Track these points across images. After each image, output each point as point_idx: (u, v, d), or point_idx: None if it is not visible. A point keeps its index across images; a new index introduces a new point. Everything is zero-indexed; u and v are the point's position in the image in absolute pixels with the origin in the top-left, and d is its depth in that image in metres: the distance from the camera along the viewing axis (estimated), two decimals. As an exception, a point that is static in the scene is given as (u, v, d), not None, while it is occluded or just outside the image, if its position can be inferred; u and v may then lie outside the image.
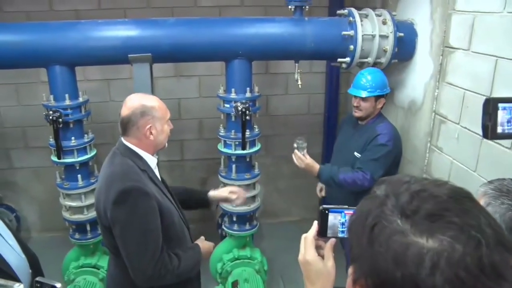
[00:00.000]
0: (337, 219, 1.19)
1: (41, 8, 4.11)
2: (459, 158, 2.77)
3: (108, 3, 4.20)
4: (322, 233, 1.19)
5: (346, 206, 1.19)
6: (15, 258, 2.11)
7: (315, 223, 1.21)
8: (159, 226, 1.99)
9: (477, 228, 0.68)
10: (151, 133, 2.05)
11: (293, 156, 2.98)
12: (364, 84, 2.98)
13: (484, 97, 2.40)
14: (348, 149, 3.11)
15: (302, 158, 2.96)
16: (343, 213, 1.19)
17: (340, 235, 1.20)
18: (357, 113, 3.05)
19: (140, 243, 1.95)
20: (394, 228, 0.71)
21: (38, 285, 1.82)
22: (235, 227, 3.56)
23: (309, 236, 1.19)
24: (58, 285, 1.80)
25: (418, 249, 0.67)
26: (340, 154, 3.23)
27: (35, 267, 2.25)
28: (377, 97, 2.99)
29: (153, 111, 2.04)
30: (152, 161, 2.13)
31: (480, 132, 2.44)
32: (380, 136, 2.93)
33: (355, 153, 3.03)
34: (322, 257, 1.18)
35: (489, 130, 1.40)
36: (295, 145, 2.96)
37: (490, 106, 1.39)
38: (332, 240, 1.20)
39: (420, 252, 0.67)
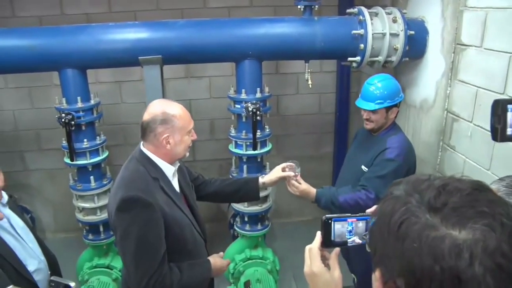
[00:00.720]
0: (345, 228, 1.17)
1: (52, 12, 4.15)
2: (472, 156, 2.74)
3: (118, 6, 4.23)
4: (327, 243, 1.17)
5: (349, 214, 1.18)
6: (35, 260, 2.13)
7: (318, 233, 1.18)
8: (160, 238, 1.93)
9: (507, 216, 0.70)
10: (168, 142, 1.98)
11: (287, 184, 2.66)
12: (373, 93, 2.72)
13: (498, 95, 2.41)
14: (356, 162, 2.87)
15: (296, 185, 2.62)
16: (347, 221, 1.17)
17: (350, 243, 1.18)
18: (368, 126, 2.80)
19: (136, 254, 1.91)
20: (424, 223, 0.71)
21: (53, 284, 1.84)
22: (247, 227, 3.56)
23: (314, 247, 1.17)
24: (72, 284, 1.82)
25: (453, 241, 0.67)
26: (348, 166, 3.03)
27: (54, 268, 2.28)
28: (389, 107, 2.72)
29: (174, 120, 1.97)
30: (168, 169, 2.06)
31: (493, 130, 2.45)
32: (388, 150, 2.66)
33: (362, 167, 2.77)
34: (328, 267, 1.16)
35: (499, 133, 1.36)
36: (286, 169, 2.57)
37: (500, 108, 1.35)
38: (337, 250, 1.19)
39: (456, 244, 0.67)
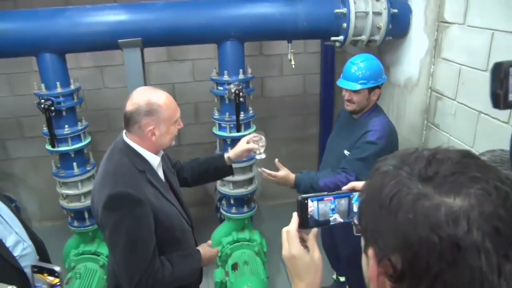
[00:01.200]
0: (327, 206, 1.13)
1: (29, -5, 4.04)
2: (456, 134, 2.75)
3: (98, -12, 4.13)
4: (304, 224, 1.13)
5: (325, 193, 1.14)
6: (22, 245, 2.10)
7: (295, 215, 1.14)
8: (150, 233, 1.88)
9: (500, 180, 0.69)
10: (153, 134, 1.91)
11: (262, 173, 2.61)
12: (355, 73, 2.66)
13: (481, 72, 2.41)
14: (339, 147, 2.81)
15: (273, 173, 2.58)
16: (333, 199, 1.14)
17: (332, 222, 1.15)
18: (349, 107, 2.73)
19: (127, 251, 1.85)
20: (416, 193, 0.69)
21: (36, 269, 1.80)
22: (233, 210, 3.56)
23: (292, 230, 1.12)
24: (57, 268, 1.78)
25: (449, 208, 0.66)
26: (331, 152, 2.96)
27: (42, 254, 2.25)
28: (371, 89, 2.68)
29: (159, 111, 1.88)
30: (154, 160, 2.00)
31: (477, 107, 2.46)
32: (370, 133, 2.61)
33: (345, 152, 2.72)
34: (307, 249, 1.12)
35: (501, 99, 1.26)
36: (251, 141, 2.44)
37: (502, 71, 1.24)
38: (315, 231, 1.14)
39: (452, 211, 0.66)
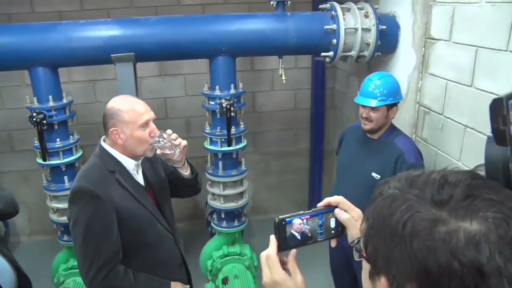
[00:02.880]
0: (315, 222, 1.09)
1: (22, 10, 4.07)
2: (443, 148, 2.79)
3: (91, 4, 4.17)
4: (282, 246, 1.07)
5: (302, 212, 1.09)
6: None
7: (272, 238, 1.07)
8: (107, 230, 1.92)
9: None
10: (119, 136, 1.98)
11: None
12: (373, 90, 2.56)
13: (466, 87, 2.46)
14: (363, 169, 2.65)
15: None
16: (320, 216, 1.10)
17: (319, 239, 1.11)
18: (367, 126, 2.61)
19: (82, 246, 1.92)
20: (432, 219, 0.66)
21: None
22: (224, 224, 3.57)
23: (272, 254, 1.04)
24: None
25: (467, 233, 0.64)
26: (351, 176, 2.75)
27: None
28: (390, 106, 2.58)
29: (120, 114, 1.96)
30: (128, 162, 2.05)
31: (463, 121, 2.51)
32: (407, 155, 2.51)
33: (373, 174, 2.58)
34: (288, 273, 1.06)
35: (506, 135, 1.11)
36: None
37: (504, 107, 1.12)
38: (293, 252, 1.08)
39: (472, 235, 0.63)
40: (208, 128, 3.38)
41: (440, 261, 0.64)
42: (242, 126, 3.41)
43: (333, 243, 1.12)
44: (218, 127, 3.27)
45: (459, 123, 2.58)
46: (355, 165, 2.74)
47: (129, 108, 1.98)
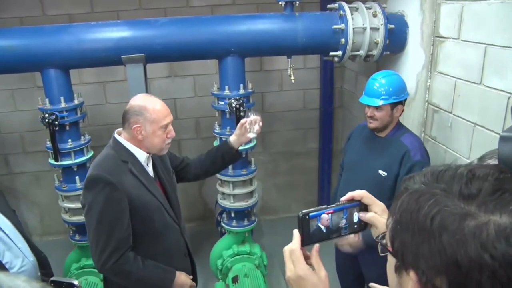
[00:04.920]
0: (340, 217, 1.09)
1: (34, 13, 4.13)
2: (452, 146, 2.79)
3: (101, 6, 4.22)
4: (306, 240, 1.06)
5: (325, 206, 1.09)
6: (21, 262, 2.11)
7: (296, 232, 1.06)
8: (120, 218, 2.02)
9: None
10: (140, 133, 2.08)
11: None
12: (377, 90, 2.61)
13: (475, 85, 2.46)
14: (370, 167, 2.69)
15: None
16: (344, 210, 1.10)
17: (343, 233, 1.11)
18: (372, 124, 2.66)
19: (95, 231, 2.02)
20: (460, 213, 0.67)
21: (53, 284, 1.83)
22: (234, 223, 3.59)
23: (296, 248, 1.04)
24: (76, 282, 1.82)
25: (497, 226, 0.64)
26: (358, 173, 2.78)
27: (46, 268, 2.26)
28: (394, 105, 2.62)
29: (146, 113, 2.07)
30: (141, 154, 2.15)
31: (472, 119, 2.51)
32: (412, 152, 2.55)
33: (380, 171, 2.63)
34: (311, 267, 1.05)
35: None
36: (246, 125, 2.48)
37: None
38: (317, 246, 1.08)
39: (502, 228, 0.63)
40: (218, 128, 3.40)
41: (470, 255, 0.64)
42: (252, 126, 3.42)
43: (356, 237, 1.12)
44: (228, 127, 3.29)
45: (468, 121, 2.58)
46: (363, 163, 2.78)
47: (154, 109, 2.09)
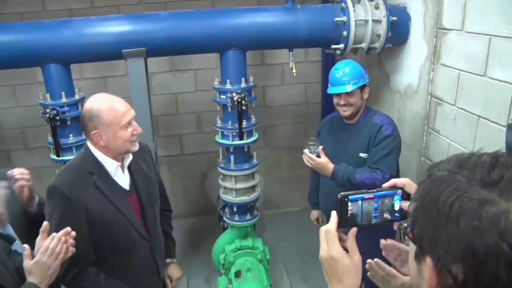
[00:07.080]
0: (371, 205, 1.08)
1: (34, 8, 4.12)
2: (456, 139, 2.77)
3: (101, 1, 4.20)
4: (343, 223, 1.06)
5: (365, 190, 1.08)
6: None
7: (334, 214, 1.06)
8: (76, 233, 1.79)
9: None
10: (101, 138, 1.93)
11: (303, 156, 2.66)
12: (342, 78, 2.71)
13: (479, 77, 2.44)
14: (350, 152, 2.80)
15: (313, 157, 2.61)
16: (374, 198, 1.09)
17: (373, 221, 1.10)
18: (347, 111, 2.75)
19: None
20: (480, 199, 0.66)
21: None
22: (236, 217, 3.58)
23: (332, 229, 1.04)
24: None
25: None
26: (341, 162, 2.77)
27: None
28: (362, 88, 2.74)
29: (100, 116, 1.90)
30: (110, 164, 2.00)
31: (476, 111, 2.49)
32: (383, 128, 2.68)
33: (361, 154, 2.75)
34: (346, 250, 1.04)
35: None
36: (306, 149, 2.65)
37: None
38: (354, 230, 1.07)
39: None
40: (219, 122, 3.39)
41: (487, 242, 0.63)
42: (253, 120, 3.40)
43: (395, 226, 1.11)
44: (230, 121, 3.27)
45: (472, 113, 2.56)
46: (342, 151, 2.86)
47: (109, 109, 1.92)
